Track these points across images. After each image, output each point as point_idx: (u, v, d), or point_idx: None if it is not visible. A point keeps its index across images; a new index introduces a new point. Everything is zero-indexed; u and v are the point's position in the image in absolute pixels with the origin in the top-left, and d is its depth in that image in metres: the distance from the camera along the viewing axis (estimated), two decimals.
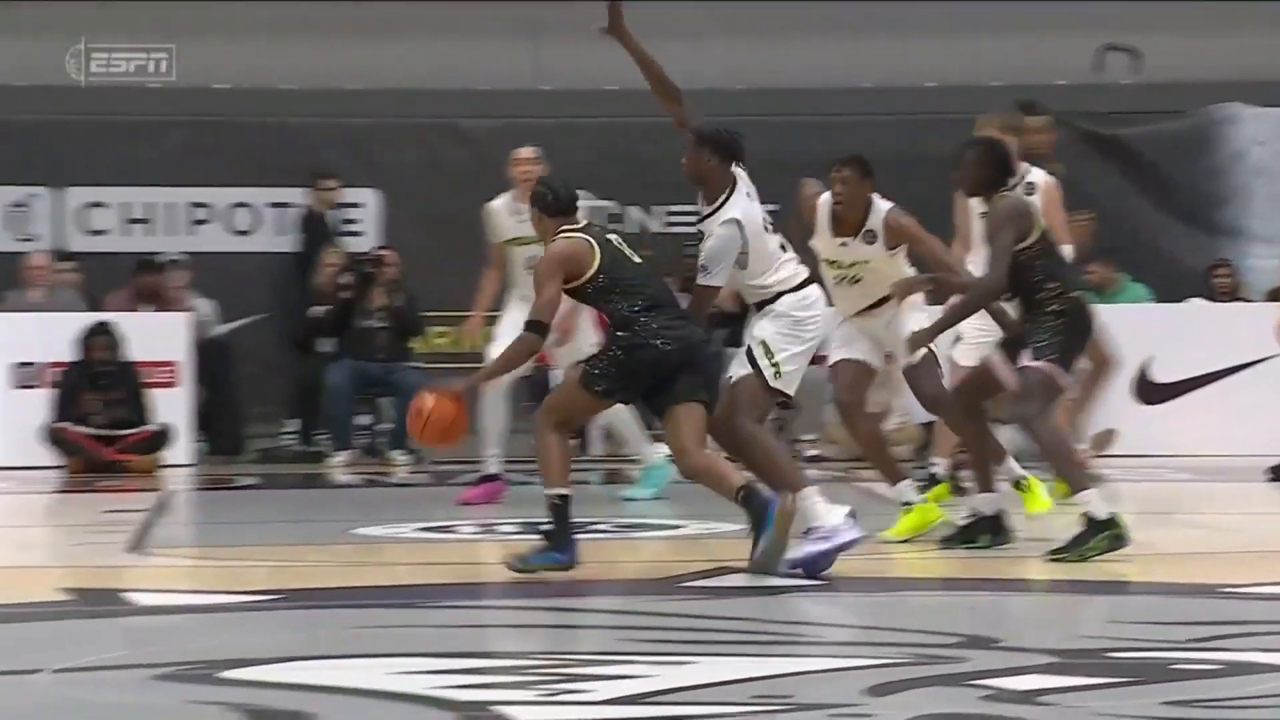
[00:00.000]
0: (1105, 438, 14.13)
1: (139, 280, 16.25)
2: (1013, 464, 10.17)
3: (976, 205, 10.64)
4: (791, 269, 8.96)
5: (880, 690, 5.94)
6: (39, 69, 17.42)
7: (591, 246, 8.46)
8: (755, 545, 8.30)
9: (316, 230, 16.65)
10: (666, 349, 8.39)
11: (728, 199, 8.77)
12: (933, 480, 11.12)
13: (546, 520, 8.39)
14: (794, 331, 8.86)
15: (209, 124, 17.59)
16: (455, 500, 11.81)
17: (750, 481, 8.40)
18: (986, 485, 9.40)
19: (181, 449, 15.13)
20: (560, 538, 8.36)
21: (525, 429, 9.22)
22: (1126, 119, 17.95)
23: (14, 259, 16.60)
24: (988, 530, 9.38)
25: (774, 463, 8.73)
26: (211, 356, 15.86)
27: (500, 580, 8.48)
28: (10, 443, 14.83)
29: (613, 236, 8.64)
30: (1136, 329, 14.21)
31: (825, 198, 9.49)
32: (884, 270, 9.49)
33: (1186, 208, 17.96)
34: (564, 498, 8.38)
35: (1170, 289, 16.56)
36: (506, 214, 11.78)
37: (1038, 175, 10.91)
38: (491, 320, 12.01)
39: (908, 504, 9.78)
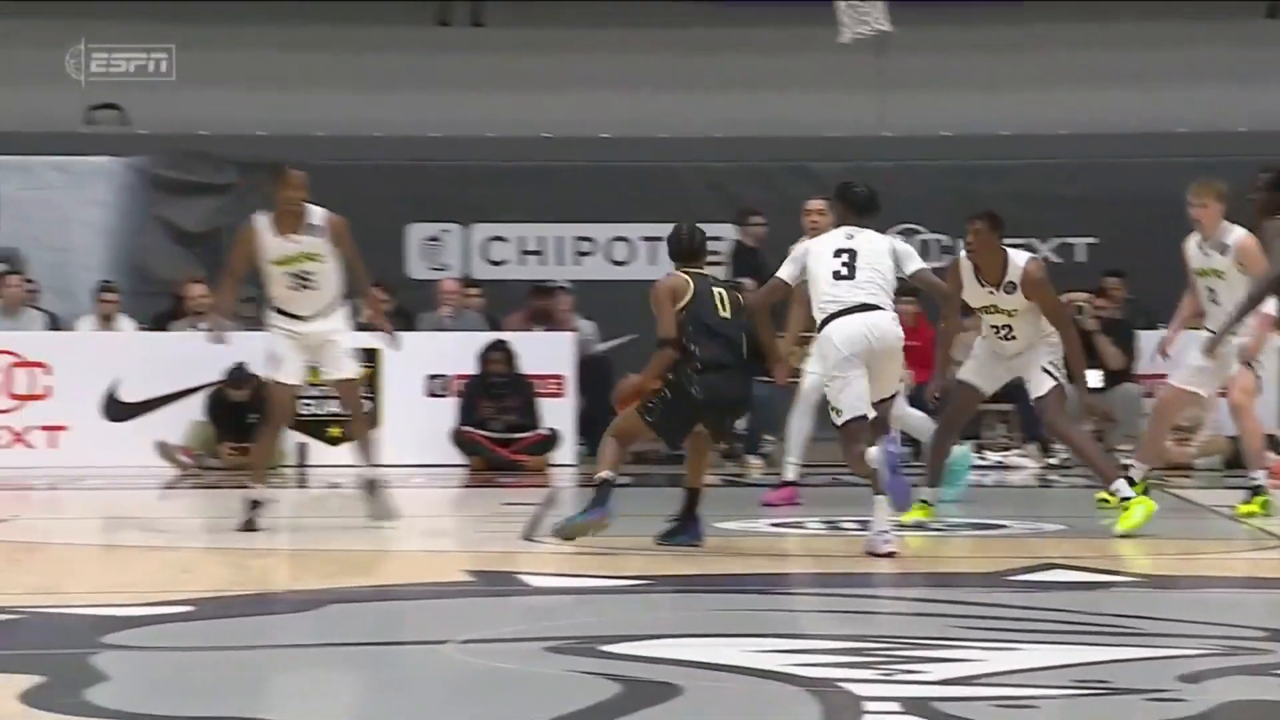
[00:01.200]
0: None
1: (532, 304, 16.54)
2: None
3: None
4: (822, 310, 8.94)
5: (1191, 678, 5.76)
6: (500, 123, 17.90)
7: (688, 284, 8.99)
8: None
9: (745, 261, 16.54)
10: (699, 397, 8.87)
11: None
12: (1256, 491, 10.61)
13: (594, 492, 9.05)
14: (826, 368, 8.92)
15: (591, 169, 17.84)
16: (759, 501, 11.68)
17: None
18: None
19: (567, 451, 15.34)
20: (594, 502, 9.06)
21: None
22: None
23: (428, 285, 17.05)
24: None
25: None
26: (592, 370, 16.05)
27: (840, 570, 8.42)
28: (423, 444, 15.16)
29: (718, 289, 9.07)
30: None
31: (965, 254, 9.67)
32: (1030, 318, 9.52)
33: None
34: (605, 481, 9.03)
35: None
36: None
37: (1234, 235, 10.21)
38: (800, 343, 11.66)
39: (1126, 499, 9.41)
